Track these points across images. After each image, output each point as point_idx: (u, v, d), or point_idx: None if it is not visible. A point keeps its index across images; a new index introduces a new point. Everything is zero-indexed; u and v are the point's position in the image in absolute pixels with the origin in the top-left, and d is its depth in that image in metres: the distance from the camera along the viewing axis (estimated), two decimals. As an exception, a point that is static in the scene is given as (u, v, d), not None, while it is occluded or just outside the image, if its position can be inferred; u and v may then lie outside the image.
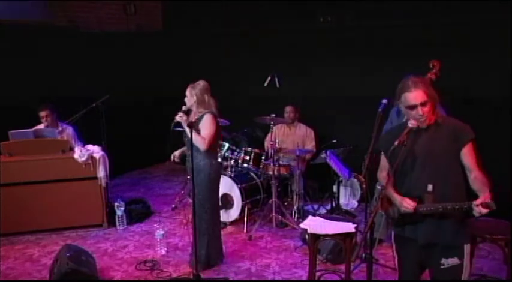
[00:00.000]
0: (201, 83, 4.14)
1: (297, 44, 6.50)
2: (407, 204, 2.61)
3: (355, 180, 5.81)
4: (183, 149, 4.48)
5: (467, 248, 2.66)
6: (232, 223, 5.39)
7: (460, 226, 2.63)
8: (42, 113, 5.47)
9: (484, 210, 2.39)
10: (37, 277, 4.28)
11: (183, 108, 4.03)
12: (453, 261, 2.63)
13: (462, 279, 2.64)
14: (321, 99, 6.30)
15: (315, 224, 3.70)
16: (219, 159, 5.14)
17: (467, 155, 2.59)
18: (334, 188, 5.53)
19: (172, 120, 3.97)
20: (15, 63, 5.96)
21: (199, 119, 4.10)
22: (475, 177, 2.57)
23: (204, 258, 4.25)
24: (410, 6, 5.40)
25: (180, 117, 3.95)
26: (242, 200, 5.30)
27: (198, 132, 4.04)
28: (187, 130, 3.95)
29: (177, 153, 4.56)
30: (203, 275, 4.11)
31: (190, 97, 4.11)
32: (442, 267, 2.65)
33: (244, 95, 6.79)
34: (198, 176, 4.13)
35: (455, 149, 2.59)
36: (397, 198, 2.69)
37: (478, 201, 2.41)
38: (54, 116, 5.56)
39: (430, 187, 2.60)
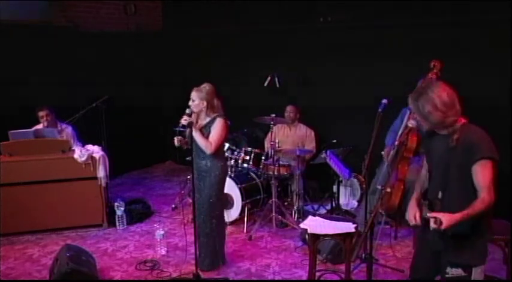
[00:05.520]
0: (207, 86, 4.07)
1: (297, 44, 6.50)
2: (410, 219, 2.63)
3: (355, 180, 5.80)
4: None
5: (476, 269, 2.54)
6: (232, 223, 5.38)
7: (469, 245, 2.53)
8: (41, 113, 5.47)
9: (433, 225, 2.34)
10: (37, 277, 4.28)
11: (187, 110, 3.95)
12: (457, 272, 2.55)
13: None
14: (321, 99, 6.30)
15: (315, 224, 3.70)
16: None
17: (475, 173, 2.45)
18: (334, 188, 5.53)
19: (178, 123, 3.90)
20: (15, 63, 5.95)
21: (211, 123, 4.06)
22: (478, 197, 2.44)
23: (212, 259, 4.26)
24: (410, 6, 5.40)
25: (185, 120, 3.89)
26: (242, 200, 5.30)
27: (205, 135, 4.02)
28: (194, 132, 3.92)
29: (180, 138, 4.16)
30: (203, 275, 4.12)
31: (199, 102, 4.02)
32: (447, 276, 2.60)
33: (244, 95, 6.78)
34: (207, 178, 4.13)
35: (467, 164, 2.47)
36: (410, 206, 2.69)
37: (431, 214, 2.37)
38: (53, 116, 5.56)
39: (440, 194, 2.57)
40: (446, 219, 2.32)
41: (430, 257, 2.72)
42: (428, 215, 2.37)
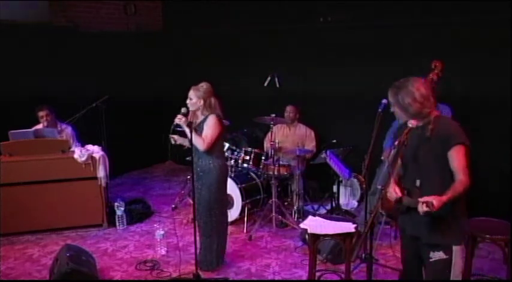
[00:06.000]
0: (205, 86, 4.10)
1: (297, 44, 6.50)
2: (391, 193, 2.77)
3: (355, 180, 5.80)
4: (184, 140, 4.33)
5: (456, 248, 2.72)
6: (232, 223, 5.36)
7: (444, 226, 2.69)
8: (41, 113, 5.48)
9: (425, 209, 2.47)
10: (37, 277, 4.28)
11: (182, 110, 3.99)
12: (439, 255, 2.72)
13: (451, 275, 2.72)
14: (321, 99, 6.29)
15: (315, 224, 3.70)
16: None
17: (452, 158, 2.64)
18: (334, 188, 5.53)
19: (171, 123, 3.95)
20: (15, 63, 5.95)
21: (203, 121, 4.08)
22: (456, 180, 2.61)
23: (211, 259, 4.25)
24: (410, 6, 5.40)
25: (179, 119, 3.94)
26: (242, 200, 5.30)
27: (199, 133, 4.04)
28: (187, 131, 3.95)
29: (176, 136, 4.29)
30: (203, 275, 4.12)
31: (197, 100, 4.06)
32: (430, 260, 2.76)
33: (244, 95, 6.78)
34: (206, 178, 4.13)
35: (443, 152, 2.66)
36: (391, 184, 2.82)
37: (422, 199, 2.49)
38: (53, 116, 5.56)
39: (417, 182, 2.74)
40: (436, 201, 2.47)
41: (411, 244, 2.90)
42: (420, 199, 2.51)
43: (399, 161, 2.94)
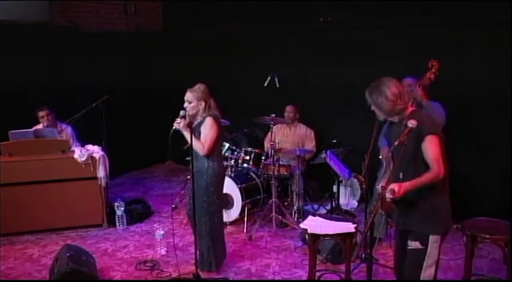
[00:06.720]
0: (202, 87, 4.04)
1: (297, 44, 6.50)
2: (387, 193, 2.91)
3: (355, 180, 5.80)
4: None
5: (432, 238, 2.88)
6: (232, 223, 5.38)
7: (425, 215, 2.87)
8: (41, 113, 5.48)
9: (389, 195, 2.69)
10: (37, 277, 4.28)
11: (181, 113, 3.94)
12: (416, 244, 2.90)
13: (424, 264, 2.90)
14: (321, 99, 6.30)
15: (315, 224, 3.70)
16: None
17: (424, 149, 2.81)
18: (334, 188, 5.53)
19: (171, 124, 3.92)
20: (15, 63, 5.95)
21: (201, 123, 4.04)
22: (430, 170, 2.77)
23: (211, 261, 4.24)
24: (410, 6, 5.40)
25: (177, 123, 3.89)
26: (242, 200, 5.30)
27: (198, 136, 4.00)
28: (187, 135, 3.92)
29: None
30: (203, 275, 4.12)
31: (197, 102, 3.99)
32: (408, 248, 2.95)
33: (244, 95, 6.78)
34: (203, 178, 4.11)
35: (418, 144, 2.81)
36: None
37: (390, 186, 2.72)
38: (53, 116, 5.56)
39: (400, 175, 2.89)
40: (397, 187, 2.70)
41: (402, 238, 3.04)
42: (387, 190, 2.70)
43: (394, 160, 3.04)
